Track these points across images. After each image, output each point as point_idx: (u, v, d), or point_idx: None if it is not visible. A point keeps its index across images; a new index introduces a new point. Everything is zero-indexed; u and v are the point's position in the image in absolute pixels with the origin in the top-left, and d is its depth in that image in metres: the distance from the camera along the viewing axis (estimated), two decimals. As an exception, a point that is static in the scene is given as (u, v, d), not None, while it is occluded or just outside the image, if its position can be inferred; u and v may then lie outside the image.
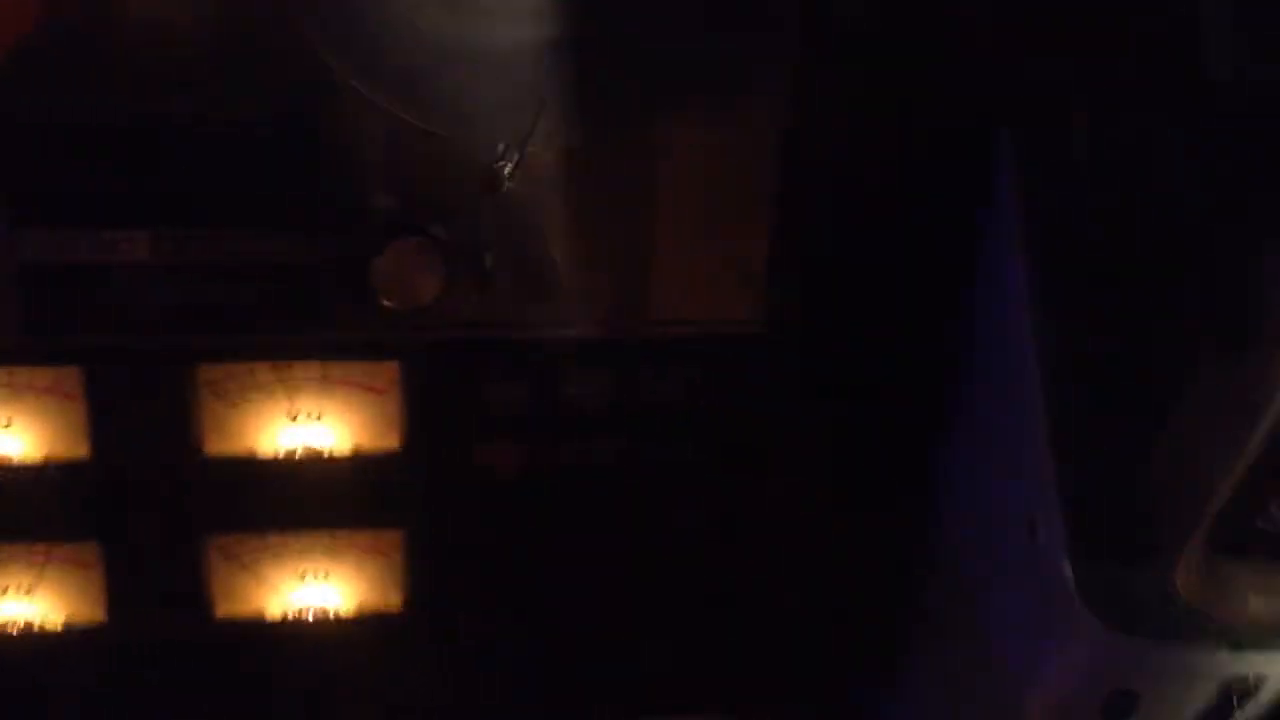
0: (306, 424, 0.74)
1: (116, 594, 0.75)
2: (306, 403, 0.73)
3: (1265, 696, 0.58)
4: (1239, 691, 0.56)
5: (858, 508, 0.77)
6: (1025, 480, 0.59)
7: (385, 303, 0.67)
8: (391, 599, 0.79)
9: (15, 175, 0.60)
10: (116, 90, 0.61)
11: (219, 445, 0.73)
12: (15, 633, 0.75)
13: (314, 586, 0.78)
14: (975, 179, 0.68)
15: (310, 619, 0.78)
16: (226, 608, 0.77)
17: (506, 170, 0.67)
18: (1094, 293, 0.59)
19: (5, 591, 0.75)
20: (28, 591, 0.75)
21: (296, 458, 0.73)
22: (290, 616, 0.78)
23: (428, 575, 0.77)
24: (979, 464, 0.66)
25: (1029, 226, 0.63)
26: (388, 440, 0.74)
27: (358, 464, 0.74)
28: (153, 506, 0.73)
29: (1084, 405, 0.56)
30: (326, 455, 0.74)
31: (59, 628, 0.76)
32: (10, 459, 0.72)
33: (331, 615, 0.78)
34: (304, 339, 0.70)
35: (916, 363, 0.72)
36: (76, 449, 0.72)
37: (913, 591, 0.75)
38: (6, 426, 0.72)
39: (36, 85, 0.60)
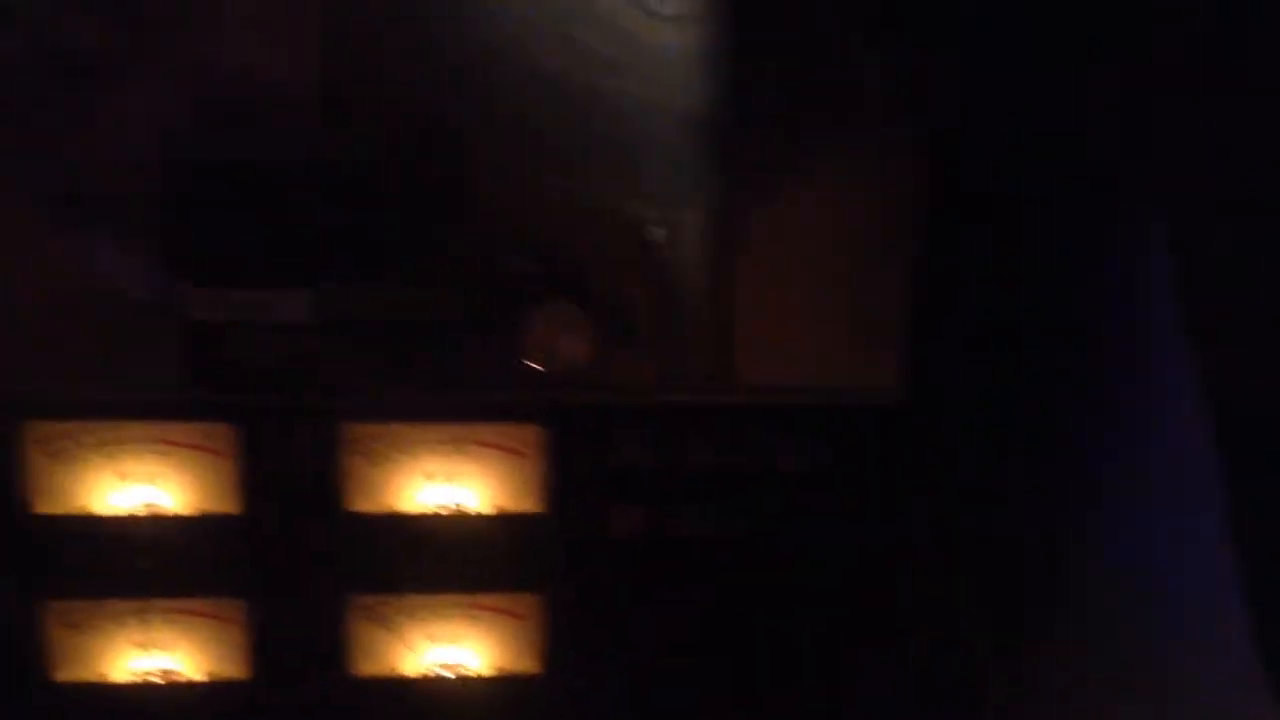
0: (445, 484, 0.74)
1: (259, 651, 0.75)
2: (446, 463, 0.73)
3: None
4: None
5: (997, 601, 0.75)
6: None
7: (532, 365, 0.67)
8: (527, 663, 0.78)
9: (186, 237, 0.61)
10: (280, 150, 0.62)
11: (362, 503, 0.73)
12: (157, 688, 0.76)
13: (450, 648, 0.77)
14: (1128, 247, 0.66)
15: (448, 680, 0.77)
16: (366, 667, 0.77)
17: (661, 233, 0.67)
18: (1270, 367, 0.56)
19: (148, 647, 0.76)
20: (170, 647, 0.76)
21: (440, 517, 0.73)
22: (428, 677, 0.77)
23: (564, 640, 0.76)
24: (1144, 548, 0.63)
25: (1189, 307, 0.60)
26: (527, 502, 0.74)
27: (497, 525, 0.74)
28: (297, 564, 0.73)
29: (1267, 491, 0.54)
30: (469, 515, 0.74)
31: (200, 684, 0.76)
32: (159, 513, 0.72)
33: (468, 677, 0.77)
34: (447, 398, 0.69)
35: (1063, 444, 0.70)
36: (224, 505, 0.73)
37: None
38: (155, 480, 0.72)
39: (212, 149, 0.61)
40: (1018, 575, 0.74)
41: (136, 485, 0.72)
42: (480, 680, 0.78)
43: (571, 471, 0.72)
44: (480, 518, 0.74)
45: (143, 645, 0.76)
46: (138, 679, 0.76)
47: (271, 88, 0.63)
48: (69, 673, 0.75)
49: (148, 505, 0.73)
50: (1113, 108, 0.67)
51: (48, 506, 0.72)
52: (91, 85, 0.62)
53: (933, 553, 0.74)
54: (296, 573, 0.74)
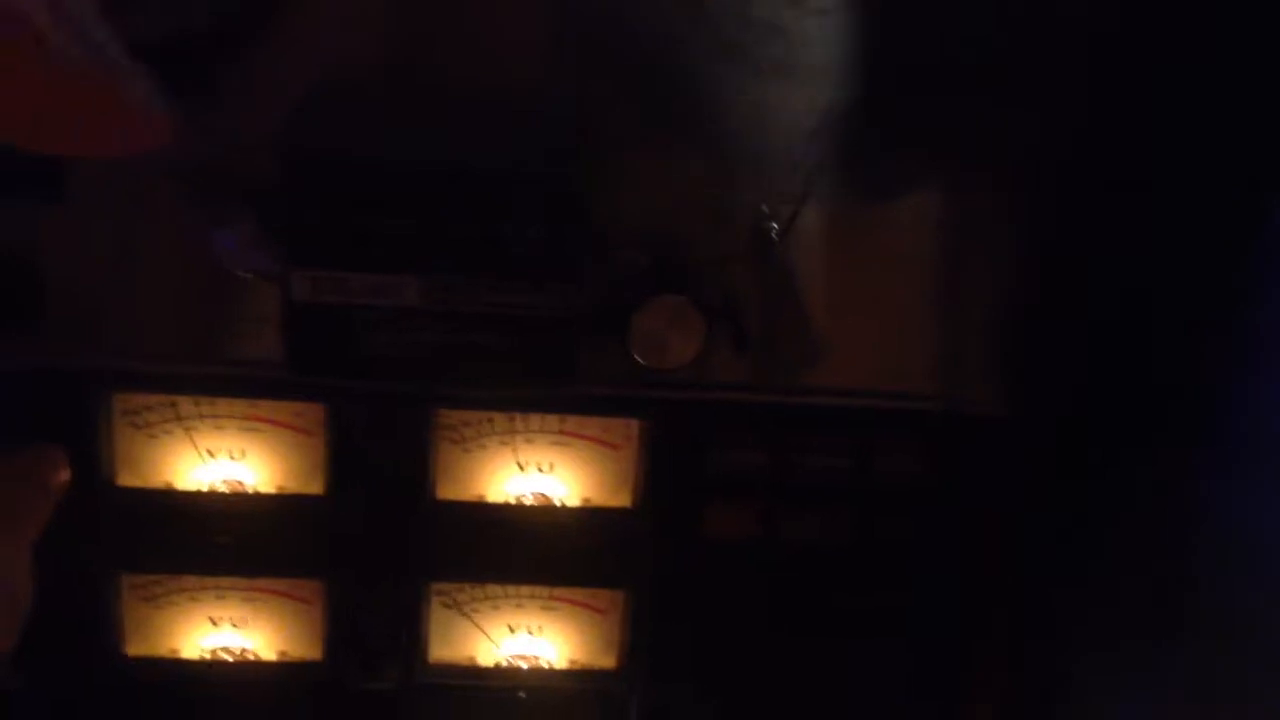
0: (538, 475, 0.72)
1: (332, 633, 0.74)
2: (540, 453, 0.72)
3: None
4: None
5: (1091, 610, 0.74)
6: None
7: (639, 360, 0.66)
8: (604, 659, 0.77)
9: (296, 216, 0.59)
10: (399, 137, 0.61)
11: (449, 490, 0.72)
12: (229, 665, 0.74)
13: (527, 640, 0.76)
14: (1247, 258, 0.65)
15: (522, 671, 0.76)
16: (439, 653, 0.76)
17: (775, 231, 0.65)
18: None
19: (220, 622, 0.75)
20: (242, 624, 0.75)
21: (525, 505, 0.72)
22: (503, 666, 0.76)
23: (644, 638, 0.75)
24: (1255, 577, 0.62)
25: None
26: (618, 497, 0.73)
27: (585, 518, 0.73)
28: (378, 548, 0.72)
29: None
30: (555, 506, 0.72)
31: (272, 663, 0.75)
32: (242, 489, 0.71)
33: (544, 668, 0.76)
34: (548, 390, 0.68)
35: (1174, 467, 0.69)
36: (309, 485, 0.71)
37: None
38: (241, 456, 0.71)
39: (326, 129, 0.60)
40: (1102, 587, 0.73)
41: (222, 461, 0.71)
42: (555, 673, 0.77)
43: (668, 468, 0.71)
44: (570, 509, 0.73)
45: (217, 622, 0.74)
46: (210, 655, 0.75)
47: (398, 77, 0.62)
48: (142, 646, 0.74)
49: (231, 482, 0.71)
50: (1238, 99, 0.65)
51: (132, 479, 0.70)
52: (216, 59, 0.60)
53: (1035, 565, 0.73)
54: (377, 556, 0.72)
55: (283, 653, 0.76)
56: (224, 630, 0.75)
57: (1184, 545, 0.68)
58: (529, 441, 0.72)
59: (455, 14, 0.61)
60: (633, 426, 0.71)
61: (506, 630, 0.76)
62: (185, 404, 0.70)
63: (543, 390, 0.67)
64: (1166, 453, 0.69)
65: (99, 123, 0.50)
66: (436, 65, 0.62)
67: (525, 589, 0.75)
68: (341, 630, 0.74)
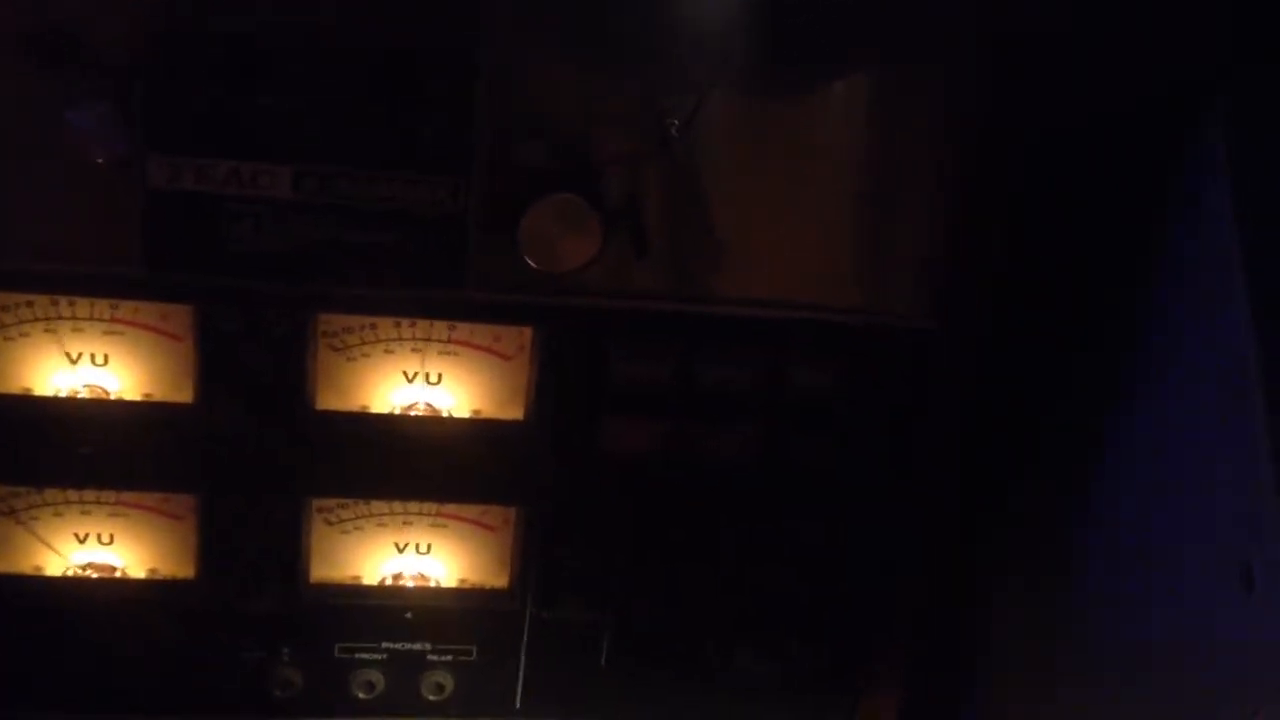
0: (425, 385, 0.68)
1: (206, 551, 0.70)
2: (427, 363, 0.68)
3: None
4: None
5: (1000, 524, 0.72)
6: (1236, 517, 0.52)
7: (530, 262, 0.62)
8: (496, 578, 0.73)
9: (157, 95, 0.54)
10: (273, 11, 0.56)
11: (330, 401, 0.68)
12: (94, 582, 0.70)
13: (415, 558, 0.73)
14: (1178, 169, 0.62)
15: (409, 589, 0.73)
16: (322, 572, 0.72)
17: (676, 127, 0.61)
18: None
19: (85, 539, 0.70)
20: (110, 540, 0.70)
21: (411, 416, 0.68)
22: (388, 584, 0.72)
23: (537, 555, 0.71)
24: (1164, 494, 0.60)
25: (1247, 218, 0.56)
26: (510, 409, 0.69)
27: (475, 431, 0.70)
28: (254, 461, 0.68)
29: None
30: (444, 418, 0.69)
31: (142, 581, 0.71)
32: (105, 397, 0.66)
33: (432, 587, 0.73)
34: (433, 295, 0.64)
35: (1088, 373, 0.66)
36: (177, 393, 0.67)
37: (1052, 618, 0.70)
38: (103, 364, 0.66)
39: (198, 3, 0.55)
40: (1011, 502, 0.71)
41: (84, 366, 0.66)
42: (444, 592, 0.73)
43: (562, 379, 0.67)
44: (459, 421, 0.69)
45: (83, 538, 0.70)
46: (75, 572, 0.70)
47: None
48: (3, 563, 0.69)
49: (94, 388, 0.66)
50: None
51: (-14, 385, 0.65)
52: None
53: (940, 484, 0.71)
54: (253, 470, 0.68)
55: (153, 570, 0.72)
56: (91, 547, 0.71)
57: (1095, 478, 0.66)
58: (416, 350, 0.68)
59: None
60: (525, 334, 0.67)
61: (393, 548, 0.72)
62: (42, 304, 0.65)
63: (429, 293, 0.62)
64: (1081, 381, 0.67)
65: None
66: None
67: (412, 505, 0.71)
68: (216, 548, 0.70)
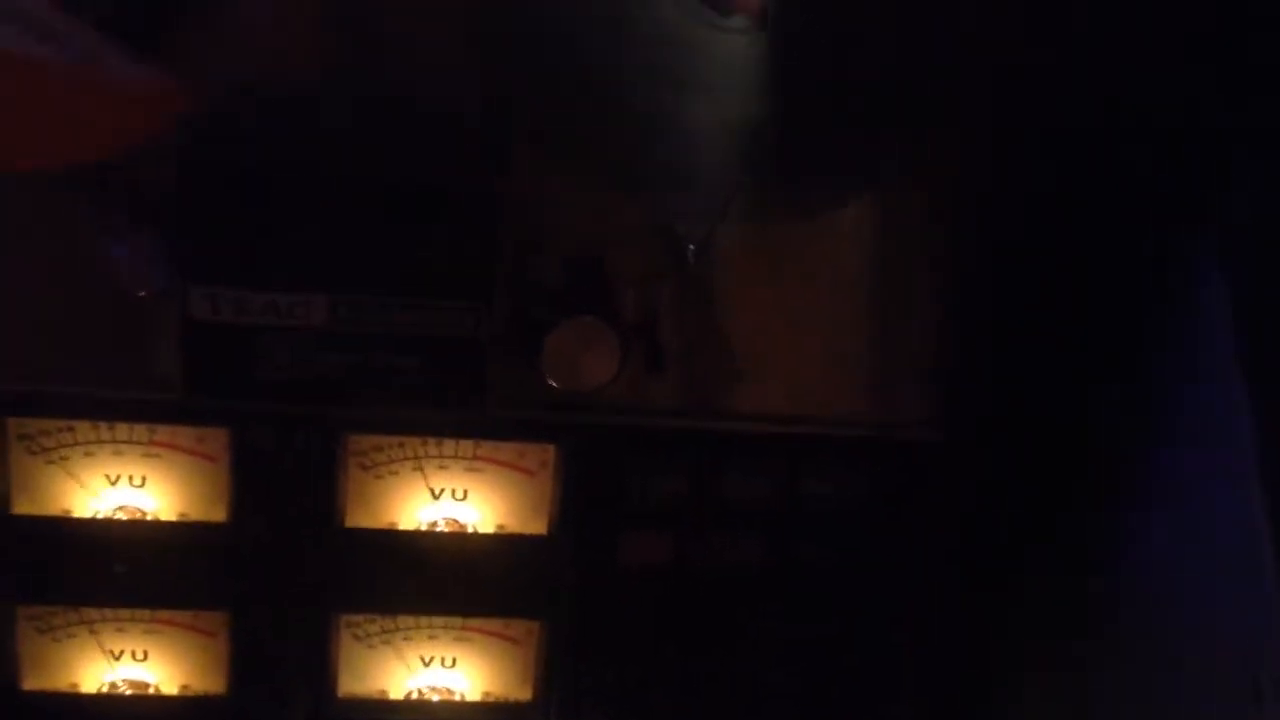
0: (451, 502, 0.70)
1: (238, 666, 0.71)
2: (453, 479, 0.70)
3: None
4: None
5: (1026, 640, 0.73)
6: (1249, 629, 0.54)
7: (552, 383, 0.64)
8: (519, 691, 0.75)
9: (194, 229, 0.57)
10: (307, 149, 0.59)
11: (359, 518, 0.70)
12: (128, 698, 0.72)
13: (440, 672, 0.74)
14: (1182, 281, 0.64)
15: (434, 704, 0.74)
16: (349, 687, 0.73)
17: (692, 250, 0.64)
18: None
19: (120, 655, 0.72)
20: (144, 657, 0.72)
21: (437, 531, 0.70)
22: (414, 699, 0.74)
23: (560, 669, 0.73)
24: (1181, 601, 0.61)
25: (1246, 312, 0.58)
26: (534, 525, 0.71)
27: (499, 546, 0.71)
28: (285, 577, 0.70)
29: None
30: (468, 532, 0.71)
31: (175, 698, 0.72)
32: (142, 518, 0.68)
33: (457, 701, 0.74)
34: (459, 415, 0.66)
35: (1104, 486, 0.68)
36: (212, 513, 0.69)
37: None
38: (140, 485, 0.69)
39: (229, 138, 0.58)
40: (1051, 613, 0.72)
41: (122, 488, 0.68)
42: (469, 705, 0.75)
43: (584, 495, 0.69)
44: (484, 536, 0.71)
45: (119, 655, 0.71)
46: (109, 690, 0.72)
47: (295, 84, 0.60)
48: (40, 681, 0.71)
49: (130, 509, 0.69)
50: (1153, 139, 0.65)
51: (28, 506, 0.68)
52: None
53: (962, 588, 0.72)
54: (283, 587, 0.70)
55: (186, 686, 0.73)
56: (125, 664, 0.72)
57: (1107, 571, 0.67)
58: (442, 467, 0.70)
59: (369, 25, 0.59)
60: (548, 452, 0.69)
61: (419, 662, 0.74)
62: (83, 429, 0.67)
63: (452, 413, 0.65)
64: (1091, 479, 0.69)
65: (90, 120, 0.47)
66: (349, 77, 0.60)
67: (438, 620, 0.73)
68: (247, 664, 0.72)
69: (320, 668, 0.72)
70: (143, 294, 0.60)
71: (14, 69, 0.43)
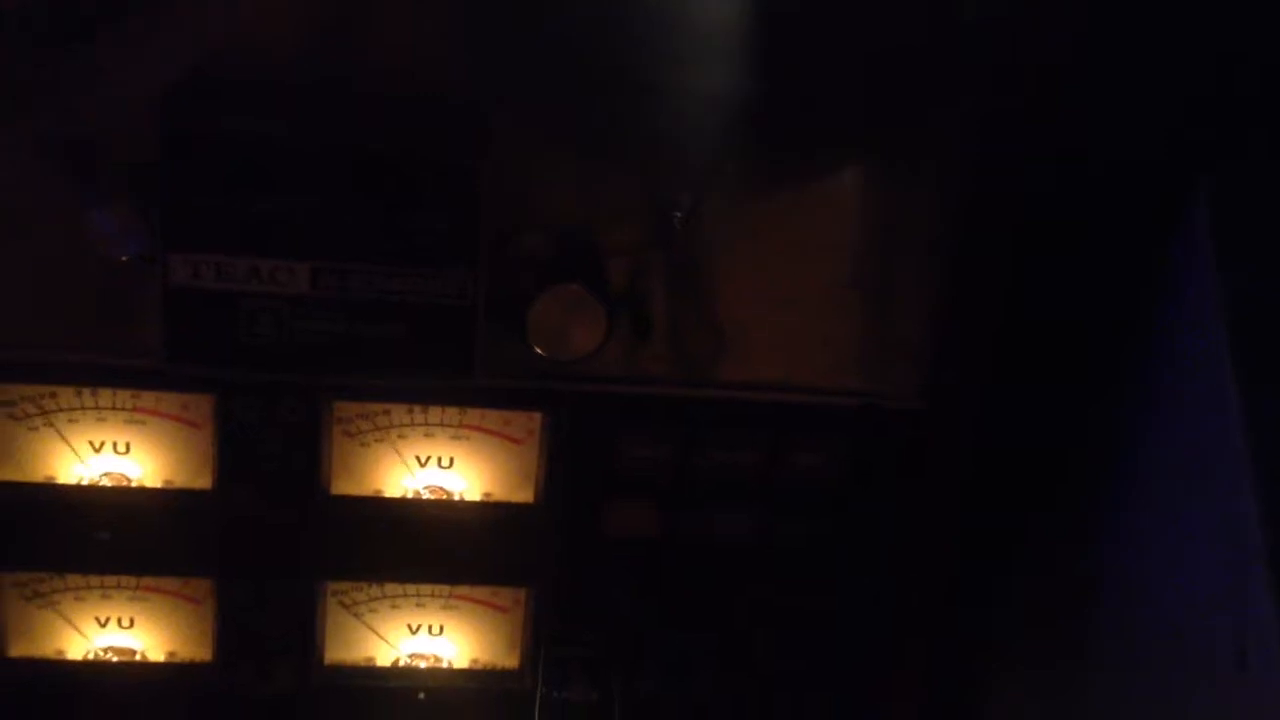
0: (437, 470, 0.70)
1: (223, 634, 0.71)
2: (439, 447, 0.70)
3: None
4: None
5: (1003, 604, 0.73)
6: (1232, 598, 0.54)
7: (538, 351, 0.63)
8: (507, 659, 0.75)
9: (175, 195, 0.57)
10: (291, 115, 0.58)
11: (345, 485, 0.70)
12: (114, 665, 0.72)
13: (427, 639, 0.74)
14: (1164, 255, 0.64)
15: (421, 670, 0.74)
16: (336, 654, 0.73)
17: (679, 219, 0.63)
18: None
19: (106, 623, 0.72)
20: (130, 624, 0.72)
21: (424, 500, 0.70)
22: (401, 666, 0.74)
23: (546, 636, 0.73)
24: (1162, 568, 0.61)
25: (1233, 296, 0.57)
26: (521, 492, 0.71)
27: (486, 514, 0.71)
28: (270, 545, 0.69)
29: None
30: (455, 500, 0.70)
31: (161, 664, 0.72)
32: (127, 484, 0.68)
33: (444, 668, 0.74)
34: (444, 382, 0.66)
35: (1085, 452, 0.68)
36: (197, 480, 0.69)
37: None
38: (125, 452, 0.68)
39: (214, 105, 0.57)
40: (1025, 586, 0.72)
41: (106, 455, 0.68)
42: (456, 673, 0.75)
43: (570, 463, 0.69)
44: (470, 504, 0.71)
45: (104, 622, 0.71)
46: (96, 656, 0.72)
47: (295, 53, 0.60)
48: (25, 647, 0.71)
49: (115, 476, 0.68)
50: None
51: (12, 472, 0.67)
52: (91, 38, 0.57)
53: (939, 558, 0.72)
54: (269, 555, 0.70)
55: (172, 653, 0.73)
56: (111, 631, 0.72)
57: (1090, 551, 0.67)
58: (428, 435, 0.70)
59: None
60: (535, 420, 0.69)
61: (406, 630, 0.74)
62: (66, 395, 0.67)
63: (439, 382, 0.64)
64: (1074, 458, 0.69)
65: None
66: (337, 44, 0.60)
67: (425, 587, 0.72)
68: (233, 631, 0.72)
69: (306, 635, 0.72)
70: (123, 258, 0.59)
71: None
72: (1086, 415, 0.68)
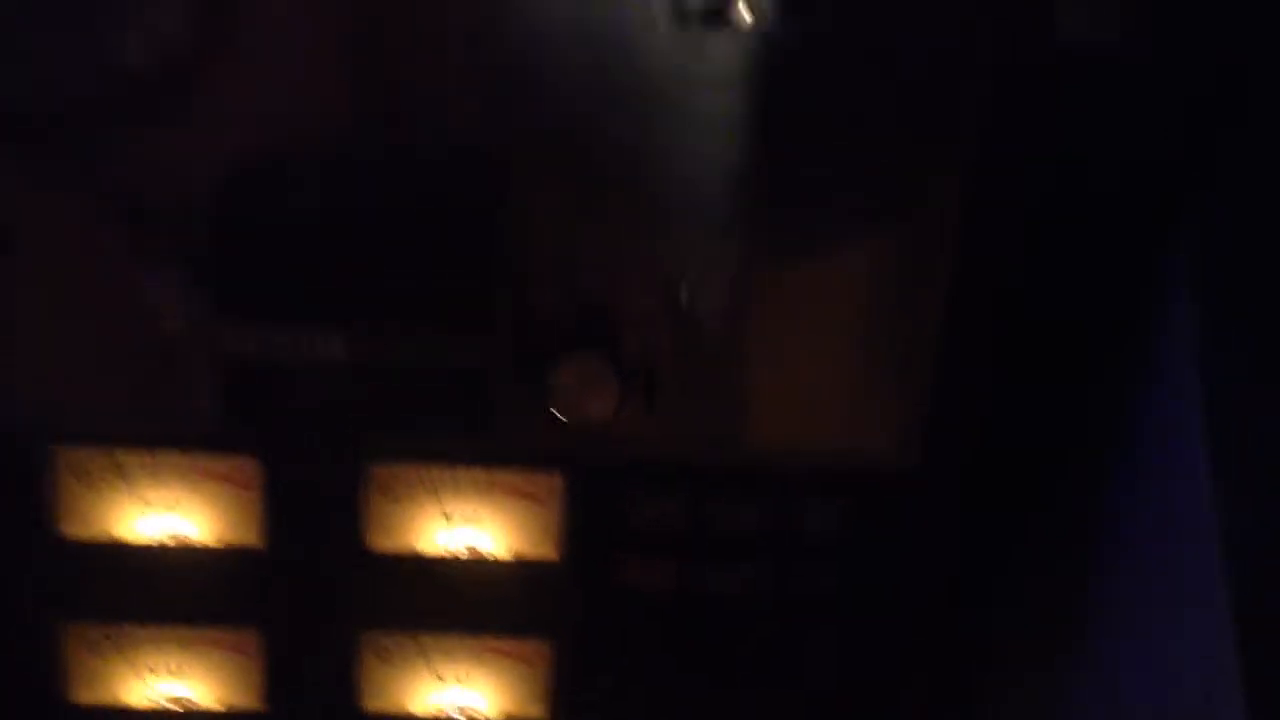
0: (466, 527, 0.75)
1: (270, 683, 0.76)
2: (468, 505, 0.75)
3: None
4: None
5: (1007, 667, 0.76)
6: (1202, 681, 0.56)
7: (557, 415, 0.68)
8: (533, 709, 0.79)
9: (225, 268, 0.62)
10: (321, 192, 0.64)
11: (381, 542, 0.75)
12: (172, 715, 0.77)
13: (455, 689, 0.78)
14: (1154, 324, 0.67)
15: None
16: (375, 704, 0.78)
17: (685, 288, 0.68)
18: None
19: (155, 670, 0.77)
20: (178, 672, 0.77)
21: (458, 559, 0.74)
22: (438, 716, 0.78)
23: (572, 688, 0.77)
24: (1147, 654, 0.64)
25: (1209, 396, 0.60)
26: (544, 550, 0.75)
27: (512, 570, 0.75)
28: (313, 599, 0.74)
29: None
30: (482, 557, 0.75)
31: (214, 713, 0.77)
32: (183, 542, 0.74)
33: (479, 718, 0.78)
34: (472, 443, 0.71)
35: (1076, 517, 0.71)
36: (245, 537, 0.74)
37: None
38: (180, 509, 0.74)
39: (254, 184, 0.63)
40: (1020, 648, 0.75)
41: (163, 514, 0.73)
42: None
43: (590, 522, 0.73)
44: (500, 561, 0.75)
45: (158, 671, 0.77)
46: (153, 705, 0.77)
47: (313, 129, 0.64)
48: (86, 694, 0.76)
49: (172, 534, 0.74)
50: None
51: (75, 530, 0.73)
52: (144, 112, 0.63)
53: (942, 617, 0.75)
54: (312, 606, 0.75)
55: (224, 702, 0.78)
56: (162, 678, 0.77)
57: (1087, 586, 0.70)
58: (457, 494, 0.74)
59: (387, 68, 0.63)
60: (556, 480, 0.74)
61: (437, 680, 0.78)
62: (125, 457, 0.72)
63: (462, 442, 0.69)
64: (1068, 504, 0.72)
65: None
66: (366, 116, 0.64)
67: (454, 639, 0.77)
68: (278, 681, 0.76)
69: (345, 686, 0.76)
70: (177, 326, 0.65)
71: None
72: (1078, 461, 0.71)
